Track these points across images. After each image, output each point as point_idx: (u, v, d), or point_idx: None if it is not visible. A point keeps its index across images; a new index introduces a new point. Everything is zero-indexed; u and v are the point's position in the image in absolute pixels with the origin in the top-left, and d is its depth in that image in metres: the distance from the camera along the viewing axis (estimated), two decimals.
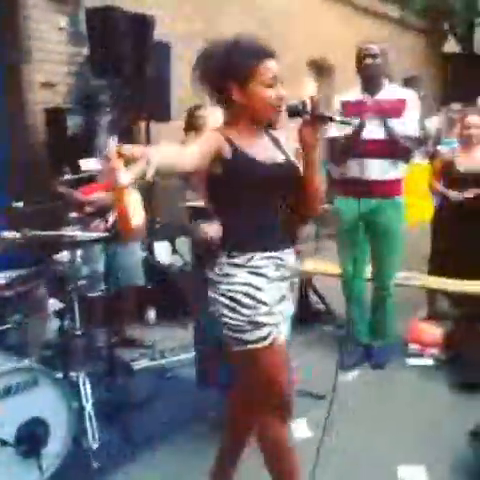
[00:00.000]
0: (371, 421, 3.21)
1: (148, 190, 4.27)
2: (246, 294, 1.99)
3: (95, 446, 2.80)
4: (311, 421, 3.11)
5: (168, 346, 4.18)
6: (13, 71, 4.88)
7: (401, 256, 3.94)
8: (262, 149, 2.08)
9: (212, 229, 2.07)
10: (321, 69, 9.36)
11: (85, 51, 5.14)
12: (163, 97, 5.35)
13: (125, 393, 3.35)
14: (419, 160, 7.04)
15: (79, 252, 3.23)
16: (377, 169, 3.71)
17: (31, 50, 4.88)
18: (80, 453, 2.74)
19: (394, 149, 3.67)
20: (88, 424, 2.84)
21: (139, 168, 1.64)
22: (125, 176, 1.63)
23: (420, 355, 4.06)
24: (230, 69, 1.98)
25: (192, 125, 5.83)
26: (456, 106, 6.86)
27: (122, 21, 4.79)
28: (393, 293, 3.95)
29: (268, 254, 2.04)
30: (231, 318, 2.00)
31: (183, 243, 5.89)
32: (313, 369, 3.62)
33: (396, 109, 3.68)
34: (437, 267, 4.65)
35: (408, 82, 10.97)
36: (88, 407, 2.87)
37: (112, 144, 2.67)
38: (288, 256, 2.11)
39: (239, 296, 1.99)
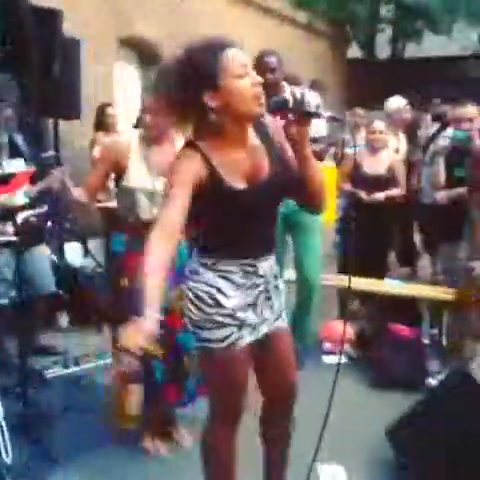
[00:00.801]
0: None
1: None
2: (210, 294, 1.97)
3: (8, 461, 2.66)
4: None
5: (82, 352, 4.06)
6: None
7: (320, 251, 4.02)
8: (243, 168, 1.93)
9: None
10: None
11: None
12: (72, 94, 5.18)
13: (38, 404, 3.21)
14: (327, 163, 7.25)
15: None
16: None
17: None
18: None
19: None
20: (0, 438, 2.70)
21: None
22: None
23: (333, 353, 4.16)
24: (192, 78, 1.81)
25: (102, 123, 5.72)
26: (360, 111, 7.15)
27: (29, 14, 4.60)
28: (319, 291, 3.98)
29: (237, 261, 1.98)
30: (194, 314, 2.00)
31: (95, 244, 5.75)
32: None
33: None
34: (345, 266, 4.81)
35: (312, 86, 11.26)
36: None
37: None
38: (263, 263, 2.03)
39: (203, 295, 1.98)
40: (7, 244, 3.12)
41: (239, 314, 1.99)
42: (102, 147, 2.91)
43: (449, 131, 4.72)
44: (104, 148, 2.92)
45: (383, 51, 15.57)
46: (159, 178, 2.77)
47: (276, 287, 2.13)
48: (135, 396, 2.75)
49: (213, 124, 1.87)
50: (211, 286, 1.98)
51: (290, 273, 4.11)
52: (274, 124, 2.01)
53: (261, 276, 2.04)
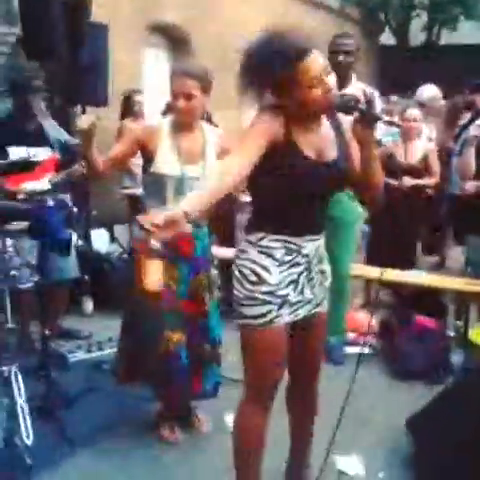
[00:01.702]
0: None
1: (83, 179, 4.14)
2: (252, 271, 2.06)
3: (29, 443, 2.70)
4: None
5: (106, 337, 4.09)
6: None
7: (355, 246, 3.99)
8: (315, 143, 2.06)
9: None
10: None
11: (17, 31, 4.93)
12: (100, 81, 5.20)
13: (60, 387, 3.26)
14: None
15: (10, 242, 3.11)
16: None
17: None
18: (13, 450, 2.64)
19: None
20: (21, 420, 2.74)
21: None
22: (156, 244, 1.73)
23: (357, 343, 4.13)
24: (269, 79, 1.96)
25: (129, 110, 5.73)
26: (394, 98, 7.00)
27: (57, 1, 4.62)
28: (349, 283, 3.94)
29: (280, 237, 2.06)
30: (237, 290, 2.09)
31: (122, 231, 5.80)
32: None
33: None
34: (375, 255, 4.76)
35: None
36: (21, 402, 2.77)
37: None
38: (309, 244, 2.11)
39: (246, 271, 2.07)
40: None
41: (280, 291, 2.07)
42: (129, 128, 2.88)
43: None
44: (133, 128, 2.88)
45: (417, 38, 15.29)
46: (188, 165, 2.76)
47: (322, 272, 2.22)
48: (156, 272, 2.64)
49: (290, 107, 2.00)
50: (255, 263, 2.06)
51: None
52: (347, 121, 2.13)
53: (305, 255, 2.11)
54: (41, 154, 3.85)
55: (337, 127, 2.14)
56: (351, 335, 4.17)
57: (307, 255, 2.12)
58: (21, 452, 2.64)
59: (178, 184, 2.75)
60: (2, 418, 2.55)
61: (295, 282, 2.11)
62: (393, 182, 4.63)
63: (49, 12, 4.55)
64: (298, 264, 2.11)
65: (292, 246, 2.08)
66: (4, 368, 2.81)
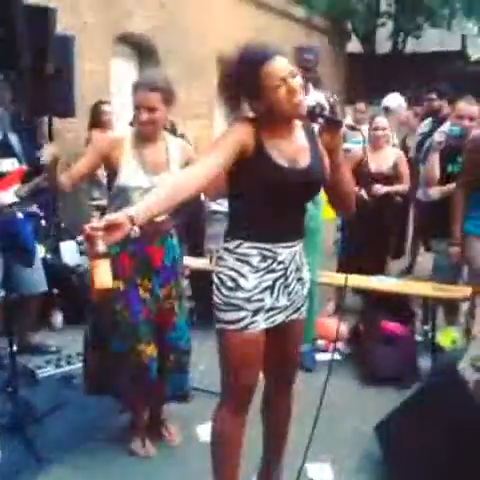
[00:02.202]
0: None
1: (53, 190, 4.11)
2: (229, 277, 2.12)
3: None
4: None
5: (75, 351, 4.05)
6: None
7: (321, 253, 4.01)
8: (288, 150, 2.10)
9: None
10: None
11: None
12: (66, 92, 5.17)
13: (29, 403, 3.22)
14: None
15: None
16: None
17: None
18: None
19: None
20: None
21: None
22: (102, 246, 1.73)
23: (326, 350, 4.16)
24: (239, 87, 2.04)
25: (97, 121, 5.71)
26: (361, 105, 7.08)
27: (22, 12, 4.58)
28: (317, 290, 3.95)
29: (256, 244, 2.11)
30: (215, 296, 2.16)
31: None
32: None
33: None
34: (346, 262, 4.80)
35: (311, 82, 11.24)
36: None
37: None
38: (284, 250, 2.15)
39: (224, 278, 2.13)
40: None
41: (255, 297, 2.12)
42: (95, 139, 2.88)
43: (445, 127, 4.69)
44: (97, 140, 2.89)
45: (384, 46, 15.54)
46: (152, 177, 2.77)
47: (299, 279, 2.24)
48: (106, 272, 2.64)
49: (262, 115, 2.07)
50: (232, 269, 2.12)
51: None
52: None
53: (280, 262, 2.15)
54: (7, 165, 3.81)
55: (311, 133, 2.18)
56: (321, 342, 4.20)
57: (283, 262, 2.16)
58: None
59: (143, 195, 2.74)
60: None
61: (270, 288, 2.15)
62: (365, 195, 4.66)
63: (14, 23, 4.52)
64: (274, 271, 2.15)
65: (267, 253, 2.13)
66: None
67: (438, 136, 4.49)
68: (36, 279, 4.00)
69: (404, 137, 6.32)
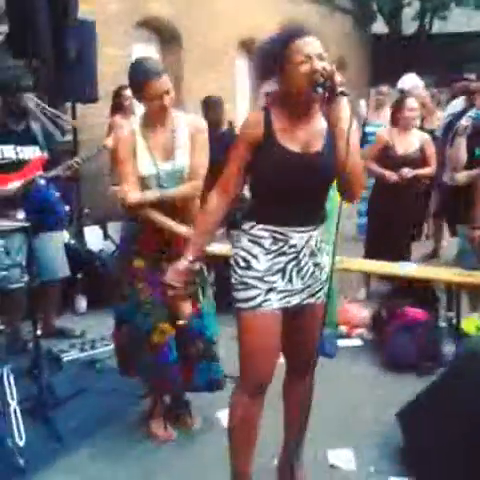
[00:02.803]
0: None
1: (76, 175, 4.14)
2: (243, 258, 2.19)
3: (21, 444, 2.71)
4: None
5: (99, 335, 4.11)
6: None
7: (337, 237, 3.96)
8: (300, 135, 2.13)
9: None
10: (251, 50, 9.30)
11: (4, 29, 4.90)
12: (88, 78, 5.18)
13: (52, 387, 3.27)
14: None
15: (0, 242, 3.11)
16: None
17: None
18: (5, 451, 2.66)
19: None
20: (14, 421, 2.76)
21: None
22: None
23: (348, 336, 4.15)
24: (268, 59, 2.12)
25: (119, 106, 5.71)
26: (384, 88, 6.95)
27: None
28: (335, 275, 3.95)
29: (268, 227, 2.16)
30: (232, 276, 2.23)
31: (115, 228, 5.78)
32: None
33: None
34: (372, 248, 4.77)
35: (338, 64, 11.10)
36: (13, 404, 2.78)
37: None
38: (296, 235, 2.17)
39: (238, 258, 2.21)
40: (19, 230, 3.15)
41: (267, 278, 2.16)
42: (115, 145, 2.88)
43: (473, 110, 4.60)
44: (119, 146, 2.87)
45: (410, 27, 15.25)
46: (163, 163, 2.77)
47: (316, 264, 2.25)
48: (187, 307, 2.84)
49: (282, 95, 2.15)
50: (245, 250, 2.19)
51: None
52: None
53: (292, 246, 2.18)
54: (29, 153, 3.85)
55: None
56: (343, 327, 4.19)
57: (294, 246, 2.18)
58: (13, 453, 2.65)
59: (158, 182, 2.78)
60: None
61: (282, 271, 2.19)
62: (391, 174, 4.62)
63: (35, 10, 4.53)
64: (285, 253, 2.18)
65: (279, 236, 2.16)
66: None
67: (464, 120, 4.41)
68: (58, 265, 4.06)
69: (422, 120, 6.20)
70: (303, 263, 2.21)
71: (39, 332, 3.23)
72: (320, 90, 2.02)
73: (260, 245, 2.17)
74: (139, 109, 5.68)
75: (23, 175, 3.69)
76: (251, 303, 2.16)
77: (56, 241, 4.09)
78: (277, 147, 2.11)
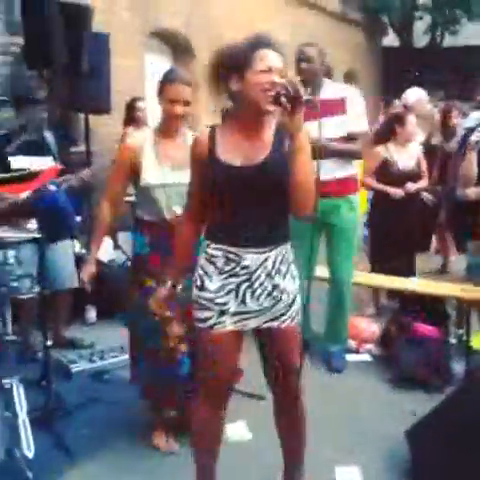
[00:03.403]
0: (307, 421, 3.22)
1: (89, 186, 4.16)
2: (199, 277, 2.21)
3: (29, 455, 2.71)
4: (251, 423, 3.13)
5: (108, 346, 4.11)
6: None
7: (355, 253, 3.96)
8: (243, 149, 2.11)
9: None
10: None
11: (20, 40, 4.96)
12: (102, 89, 5.23)
13: (61, 398, 3.28)
14: None
15: (11, 252, 3.13)
16: (327, 168, 3.44)
17: None
18: (13, 463, 2.65)
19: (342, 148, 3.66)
20: (22, 432, 2.75)
21: None
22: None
23: (357, 351, 4.13)
24: (230, 60, 2.11)
25: (132, 118, 5.75)
26: (397, 102, 6.95)
27: (58, 10, 4.64)
28: (349, 291, 3.92)
29: (221, 246, 2.15)
30: (192, 293, 2.24)
31: (125, 238, 5.79)
32: (252, 369, 3.60)
33: (336, 108, 3.67)
34: (378, 262, 4.78)
35: (347, 76, 11.11)
36: (22, 415, 2.78)
37: None
38: (250, 255, 2.13)
39: (196, 277, 2.22)
40: (30, 240, 3.17)
41: (218, 299, 2.16)
42: (120, 153, 2.92)
43: None
44: (118, 152, 2.93)
45: (421, 40, 15.27)
46: (175, 172, 2.79)
47: (275, 286, 2.18)
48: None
49: (233, 106, 2.15)
50: (201, 269, 2.20)
51: (323, 270, 4.06)
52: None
53: (244, 267, 2.15)
54: (42, 164, 3.87)
55: (281, 136, 2.13)
56: (352, 342, 4.17)
57: (247, 267, 2.14)
58: (22, 465, 2.65)
59: (168, 192, 2.80)
60: (2, 431, 2.56)
61: (234, 291, 2.17)
62: (396, 191, 4.64)
63: (50, 22, 4.58)
64: (237, 274, 2.16)
65: (231, 256, 2.15)
66: (6, 381, 2.83)
67: (475, 136, 4.40)
68: (68, 275, 4.07)
69: (428, 135, 6.20)
70: (257, 284, 2.16)
71: (49, 342, 3.24)
72: (283, 101, 1.96)
73: (214, 264, 2.17)
74: (152, 121, 5.75)
75: (36, 185, 3.71)
76: (205, 324, 2.19)
77: (66, 251, 4.11)
78: (217, 162, 2.11)
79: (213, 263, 2.17)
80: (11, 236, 3.09)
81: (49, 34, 4.57)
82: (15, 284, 3.13)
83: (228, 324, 2.18)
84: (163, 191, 2.79)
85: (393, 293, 4.74)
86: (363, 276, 4.43)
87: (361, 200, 6.76)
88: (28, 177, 3.77)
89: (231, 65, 2.09)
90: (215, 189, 2.13)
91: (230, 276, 2.16)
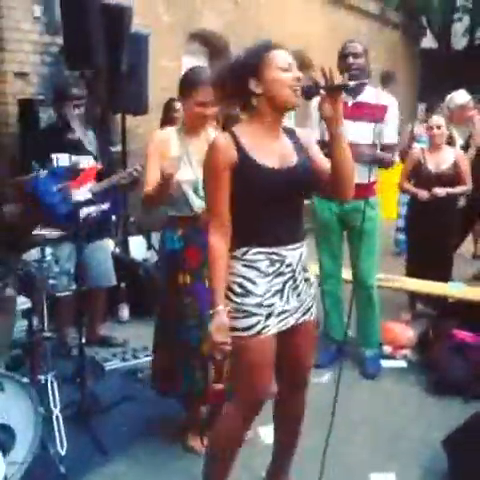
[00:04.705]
0: (343, 425, 3.18)
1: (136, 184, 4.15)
2: (239, 284, 2.12)
3: (63, 451, 2.74)
4: None
5: (141, 344, 4.13)
6: None
7: (378, 255, 3.91)
8: (274, 151, 2.13)
9: None
10: (300, 63, 9.30)
11: (60, 41, 5.02)
12: (140, 89, 5.26)
13: (95, 395, 3.29)
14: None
15: (49, 250, 3.16)
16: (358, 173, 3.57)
17: (4, 39, 4.76)
18: (47, 459, 2.67)
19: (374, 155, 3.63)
20: (56, 429, 2.78)
21: None
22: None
23: (392, 357, 4.06)
24: (244, 65, 2.08)
25: (169, 118, 5.77)
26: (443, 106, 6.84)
27: (98, 11, 4.68)
28: (376, 293, 3.87)
29: (263, 249, 2.12)
30: (227, 305, 2.12)
31: (159, 237, 5.82)
32: None
33: (377, 115, 3.62)
34: (414, 268, 4.71)
35: (384, 77, 10.98)
36: (56, 411, 2.81)
37: None
38: (290, 252, 2.16)
39: (234, 286, 2.12)
40: (68, 238, 3.21)
41: (267, 301, 2.13)
42: (151, 145, 2.91)
43: None
44: (150, 144, 2.92)
45: (460, 42, 15.02)
46: (200, 168, 2.79)
47: (306, 279, 2.25)
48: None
49: (254, 110, 2.11)
50: (241, 276, 2.13)
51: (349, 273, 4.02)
52: (305, 135, 2.27)
53: (288, 265, 2.17)
54: (83, 162, 3.92)
55: (296, 140, 2.21)
56: (387, 348, 4.10)
57: (290, 264, 2.18)
58: (55, 461, 2.67)
59: (194, 188, 2.81)
60: (38, 427, 2.58)
61: (280, 291, 2.17)
62: (423, 193, 4.58)
63: (90, 22, 4.63)
64: (282, 274, 2.17)
65: (275, 257, 2.14)
66: (41, 376, 2.86)
67: None
68: (106, 272, 4.11)
69: (468, 137, 6.08)
70: (298, 281, 2.22)
71: (83, 340, 3.27)
72: (315, 91, 2.04)
73: (256, 269, 2.13)
74: None
75: (77, 184, 3.76)
76: (251, 331, 2.12)
77: (105, 249, 4.15)
78: (256, 166, 2.08)
79: (255, 268, 2.13)
80: (48, 234, 3.11)
81: (89, 34, 4.62)
82: (52, 281, 3.16)
83: (273, 327, 2.15)
84: (192, 186, 2.81)
85: (429, 298, 4.66)
86: (399, 281, 4.36)
87: (392, 204, 6.76)
88: (69, 175, 3.81)
89: (248, 69, 2.07)
90: (256, 193, 2.09)
91: (276, 276, 2.15)
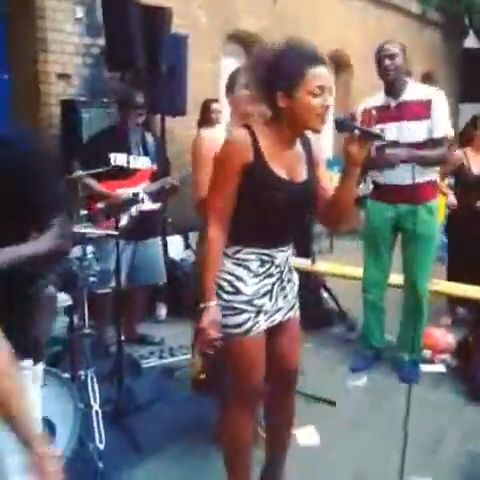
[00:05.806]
0: (379, 430, 3.16)
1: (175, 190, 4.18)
2: (229, 282, 2.14)
3: (101, 446, 2.78)
4: (320, 429, 3.08)
5: (178, 343, 4.16)
6: (30, 61, 4.85)
7: (433, 261, 3.84)
8: (287, 161, 2.12)
9: None
10: (339, 63, 9.24)
11: (101, 42, 5.10)
12: (179, 91, 5.30)
13: (132, 393, 3.33)
14: None
15: (90, 248, 3.21)
16: (408, 173, 3.32)
17: (48, 40, 4.85)
18: (85, 453, 2.72)
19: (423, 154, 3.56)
20: (95, 424, 2.82)
21: None
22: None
23: (431, 361, 4.00)
24: (276, 78, 2.00)
25: (207, 119, 5.80)
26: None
27: (139, 13, 4.74)
28: (426, 300, 3.79)
29: (255, 250, 2.15)
30: (218, 301, 2.15)
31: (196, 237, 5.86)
32: (323, 374, 3.56)
33: (422, 111, 3.57)
34: (455, 272, 4.63)
35: (425, 79, 10.83)
36: (95, 407, 2.85)
37: None
38: (279, 254, 2.20)
39: (224, 283, 2.15)
40: (109, 236, 3.27)
41: (256, 301, 2.16)
42: (203, 146, 2.91)
43: None
44: (201, 144, 2.92)
45: None
46: None
47: (289, 280, 2.30)
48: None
49: (278, 117, 2.08)
50: (231, 274, 2.14)
51: (397, 278, 3.96)
52: (318, 149, 2.25)
53: (277, 266, 2.20)
54: (140, 163, 3.99)
55: (307, 145, 2.20)
56: (427, 352, 4.04)
57: (279, 265, 2.21)
58: (93, 456, 2.71)
59: None
60: (77, 422, 2.63)
61: (269, 292, 2.20)
62: (452, 199, 4.57)
63: (130, 23, 4.68)
64: (271, 275, 2.20)
65: (266, 257, 2.17)
66: (81, 372, 2.90)
67: None
68: (158, 270, 4.19)
69: None
70: (285, 281, 2.26)
71: (122, 337, 3.30)
72: (348, 128, 2.00)
73: (247, 268, 2.15)
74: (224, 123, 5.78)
75: (132, 183, 3.83)
76: (241, 328, 2.15)
77: (156, 248, 4.23)
78: (269, 173, 2.06)
79: (246, 267, 2.15)
80: (90, 232, 3.16)
81: (130, 36, 4.67)
82: (93, 279, 3.21)
83: (262, 323, 2.19)
84: None
85: (470, 303, 4.57)
86: (440, 284, 4.29)
87: (441, 206, 6.65)
88: (125, 174, 3.88)
89: (279, 82, 2.00)
90: (263, 198, 2.08)
91: (266, 277, 2.18)
